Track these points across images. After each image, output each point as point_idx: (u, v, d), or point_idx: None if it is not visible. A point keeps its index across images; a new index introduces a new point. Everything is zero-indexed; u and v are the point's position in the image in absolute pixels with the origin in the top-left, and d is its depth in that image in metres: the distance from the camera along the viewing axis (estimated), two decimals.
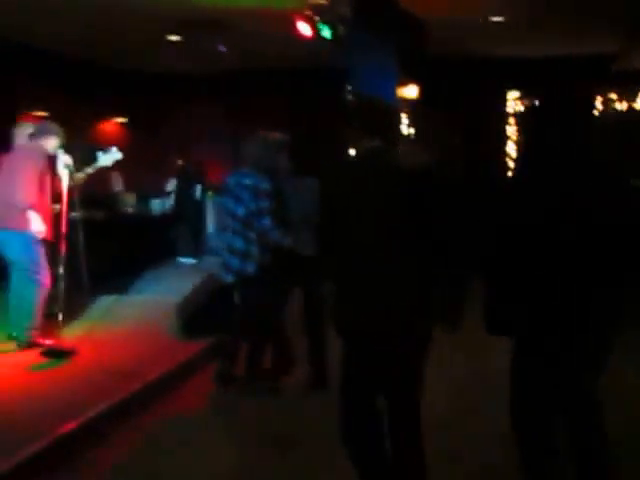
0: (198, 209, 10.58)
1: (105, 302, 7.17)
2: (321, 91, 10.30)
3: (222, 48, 8.27)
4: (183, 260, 10.10)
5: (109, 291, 7.44)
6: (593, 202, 2.71)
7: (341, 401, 2.97)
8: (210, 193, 10.97)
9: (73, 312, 5.95)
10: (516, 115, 11.74)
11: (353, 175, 2.94)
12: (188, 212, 10.41)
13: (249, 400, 4.73)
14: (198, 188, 10.50)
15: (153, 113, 11.84)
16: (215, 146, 11.93)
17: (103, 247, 8.38)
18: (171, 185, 10.56)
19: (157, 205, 10.91)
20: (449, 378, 4.89)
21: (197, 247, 10.35)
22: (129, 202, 10.43)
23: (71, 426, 3.96)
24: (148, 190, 10.92)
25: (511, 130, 11.95)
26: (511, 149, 11.88)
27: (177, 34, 8.27)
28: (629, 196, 2.86)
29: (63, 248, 5.60)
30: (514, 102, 11.83)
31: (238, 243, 4.71)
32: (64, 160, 5.71)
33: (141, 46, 8.91)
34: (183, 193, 10.46)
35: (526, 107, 3.15)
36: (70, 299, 5.77)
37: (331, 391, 3.71)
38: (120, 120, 11.11)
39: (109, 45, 8.80)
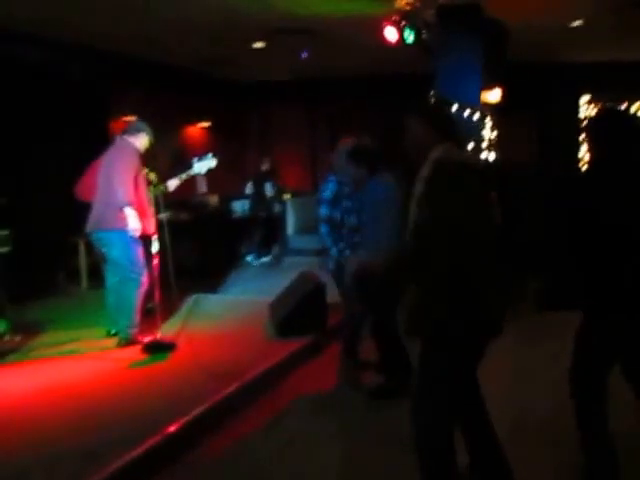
0: (270, 210, 10.76)
1: (192, 300, 7.39)
2: (403, 96, 10.31)
3: (304, 54, 8.38)
4: (249, 259, 10.31)
5: (195, 290, 7.70)
6: None
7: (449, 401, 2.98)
8: (287, 195, 11.15)
9: (163, 310, 5.99)
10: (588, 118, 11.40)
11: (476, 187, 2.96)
12: (261, 213, 10.62)
13: (349, 398, 4.73)
14: (269, 189, 10.69)
15: (236, 117, 12.06)
16: (295, 150, 12.13)
17: (187, 247, 8.67)
18: (249, 188, 10.76)
19: (238, 207, 11.16)
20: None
21: (266, 247, 10.52)
22: (212, 204, 10.71)
23: (176, 425, 4.01)
24: (230, 192, 11.16)
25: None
26: (584, 153, 11.62)
27: (262, 41, 8.41)
28: None
29: (156, 248, 5.67)
30: (585, 106, 11.62)
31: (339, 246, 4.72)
32: (149, 177, 5.81)
33: (227, 53, 9.12)
34: (257, 194, 10.68)
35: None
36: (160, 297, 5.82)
37: None
38: (204, 124, 11.32)
39: (198, 52, 9.02)
